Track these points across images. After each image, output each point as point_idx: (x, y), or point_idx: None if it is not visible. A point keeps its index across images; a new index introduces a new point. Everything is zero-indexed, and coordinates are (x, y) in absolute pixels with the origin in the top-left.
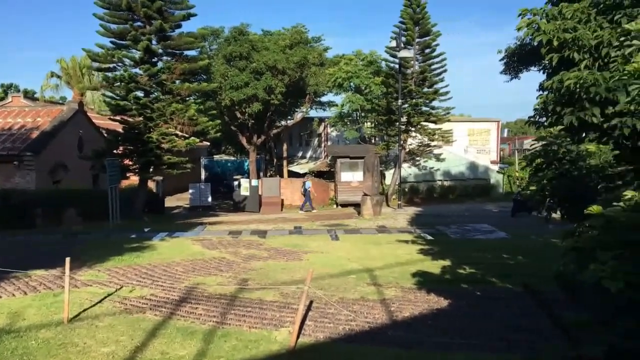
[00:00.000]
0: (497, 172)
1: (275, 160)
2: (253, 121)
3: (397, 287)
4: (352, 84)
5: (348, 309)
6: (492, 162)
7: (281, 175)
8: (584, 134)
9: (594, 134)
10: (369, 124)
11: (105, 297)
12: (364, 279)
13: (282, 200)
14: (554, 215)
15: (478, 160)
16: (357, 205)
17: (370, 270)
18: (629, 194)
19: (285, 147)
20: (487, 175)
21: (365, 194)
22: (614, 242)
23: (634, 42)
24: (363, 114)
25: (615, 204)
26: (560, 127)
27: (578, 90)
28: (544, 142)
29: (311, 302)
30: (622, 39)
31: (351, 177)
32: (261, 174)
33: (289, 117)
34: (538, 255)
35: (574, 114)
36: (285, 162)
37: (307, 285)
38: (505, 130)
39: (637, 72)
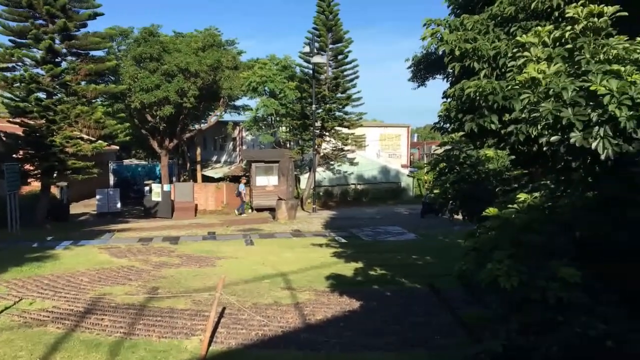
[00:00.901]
0: (408, 175)
1: (188, 164)
2: (165, 124)
3: (311, 290)
4: (266, 88)
5: (261, 314)
6: (403, 166)
7: (195, 180)
8: (483, 140)
9: (492, 140)
10: (284, 128)
11: (2, 311)
12: (278, 283)
13: (196, 205)
14: (456, 216)
15: (390, 164)
16: (272, 210)
17: (285, 275)
18: (522, 196)
19: (199, 151)
20: (398, 179)
21: (280, 198)
22: (508, 242)
23: (525, 53)
24: (278, 119)
25: (509, 206)
26: (462, 133)
27: (478, 98)
28: (446, 148)
29: (224, 308)
30: (514, 50)
31: (266, 181)
32: (174, 178)
33: (203, 121)
34: (444, 255)
35: (474, 120)
36: (199, 167)
37: (219, 291)
38: (415, 135)
39: (527, 82)
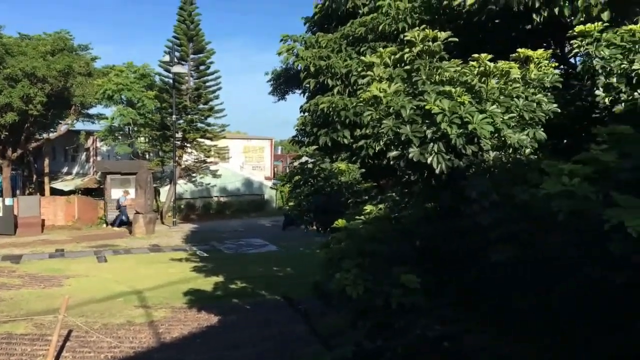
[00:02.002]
0: (271, 187)
1: (35, 176)
2: (7, 133)
3: (167, 307)
4: (123, 96)
5: (112, 335)
6: (267, 178)
7: (42, 193)
8: (337, 154)
9: (345, 153)
10: (142, 139)
11: None
12: (132, 301)
13: (43, 220)
14: (312, 228)
15: (253, 176)
16: (129, 224)
17: (140, 292)
18: (368, 208)
19: (47, 162)
20: (261, 191)
21: (137, 212)
22: (355, 252)
23: (369, 72)
24: (136, 129)
25: (357, 217)
26: (317, 146)
27: (331, 113)
28: (301, 161)
29: (70, 331)
30: (359, 69)
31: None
32: (18, 192)
33: (52, 130)
34: (305, 266)
35: (328, 135)
36: (47, 179)
37: (63, 313)
38: (279, 147)
39: (370, 100)
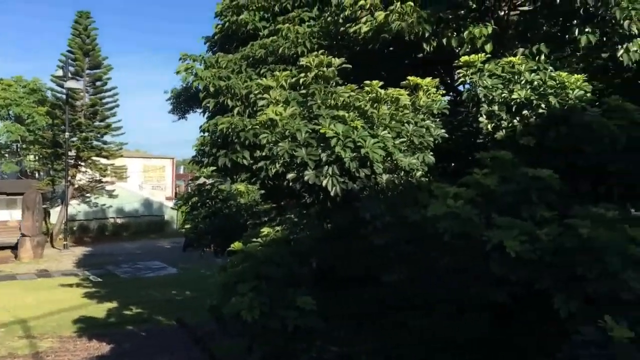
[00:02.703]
0: (172, 208)
1: None
2: None
3: (55, 337)
4: (11, 112)
5: None
6: (168, 199)
7: None
8: (237, 175)
9: (245, 174)
10: (32, 157)
11: None
12: (15, 331)
13: None
14: (208, 250)
15: (153, 196)
16: (14, 248)
17: (24, 321)
18: (265, 230)
19: None
20: (162, 212)
21: (24, 235)
22: (251, 275)
23: (265, 95)
24: (24, 146)
25: (254, 239)
26: (215, 167)
27: (231, 134)
28: (198, 182)
29: None
30: (256, 92)
31: (8, 215)
32: None
33: None
34: (205, 289)
35: (228, 155)
36: None
37: None
38: (182, 167)
39: (266, 123)
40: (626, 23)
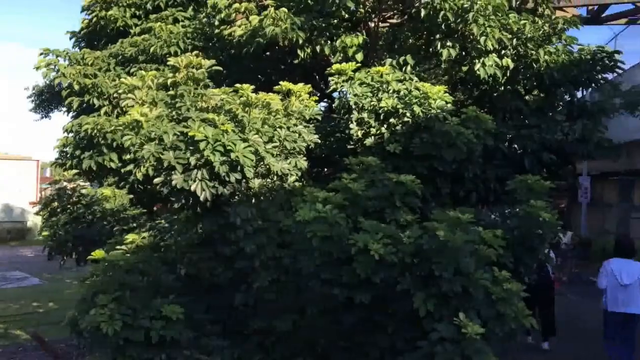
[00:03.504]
0: (35, 214)
1: None
2: None
3: None
4: None
5: None
6: (32, 204)
7: None
8: (104, 178)
9: (113, 178)
10: None
11: None
12: None
13: None
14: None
15: (14, 201)
16: None
17: None
18: (130, 237)
19: None
20: (24, 218)
21: None
22: (113, 286)
23: (130, 95)
24: None
25: (118, 247)
26: (77, 170)
27: (97, 134)
28: (58, 186)
29: None
30: (120, 91)
31: None
32: None
33: None
34: (70, 300)
35: (93, 158)
36: None
37: None
38: (48, 169)
39: (131, 124)
40: (482, 39)
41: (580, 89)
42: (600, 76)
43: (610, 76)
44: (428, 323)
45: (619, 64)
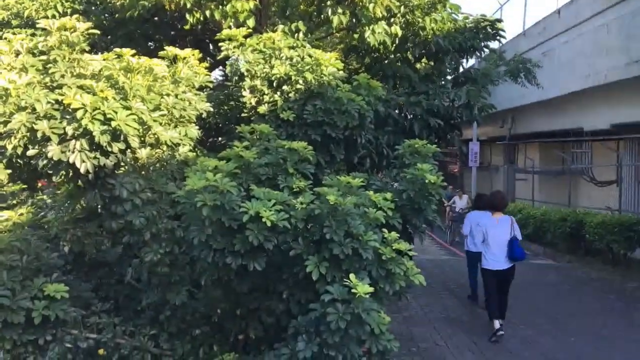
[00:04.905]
0: None
1: None
2: None
3: None
4: None
5: None
6: None
7: None
8: None
9: None
10: None
11: None
12: None
13: None
14: None
15: None
16: None
17: None
18: (5, 214)
19: None
20: None
21: None
22: None
23: None
24: None
25: None
26: None
27: None
28: None
29: None
30: None
31: None
32: None
33: None
34: None
35: None
36: None
37: None
38: None
39: None
40: (371, 6)
41: (466, 56)
42: (483, 44)
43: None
44: (321, 286)
45: (500, 32)
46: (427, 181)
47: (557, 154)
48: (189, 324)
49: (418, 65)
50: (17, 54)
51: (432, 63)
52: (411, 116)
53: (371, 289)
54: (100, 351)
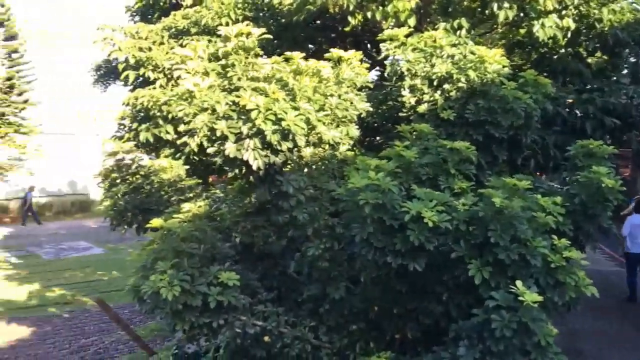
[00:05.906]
0: (98, 185)
1: None
2: None
3: None
4: None
5: None
6: (94, 177)
7: None
8: (160, 150)
9: (169, 149)
10: None
11: None
12: None
13: None
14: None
15: (78, 175)
16: None
17: None
18: (186, 206)
19: None
20: (87, 190)
21: None
22: (172, 253)
23: (182, 66)
24: None
25: (175, 216)
26: (135, 142)
27: (152, 107)
28: (117, 157)
29: None
30: (173, 62)
31: None
32: None
33: None
34: (132, 268)
35: (150, 130)
36: None
37: None
38: (110, 143)
39: (184, 95)
40: None
41: None
42: None
43: None
44: (484, 291)
45: None
46: (603, 185)
47: None
48: (347, 318)
49: (590, 60)
50: (201, 59)
51: (605, 57)
52: (582, 115)
53: (540, 298)
54: (266, 338)
